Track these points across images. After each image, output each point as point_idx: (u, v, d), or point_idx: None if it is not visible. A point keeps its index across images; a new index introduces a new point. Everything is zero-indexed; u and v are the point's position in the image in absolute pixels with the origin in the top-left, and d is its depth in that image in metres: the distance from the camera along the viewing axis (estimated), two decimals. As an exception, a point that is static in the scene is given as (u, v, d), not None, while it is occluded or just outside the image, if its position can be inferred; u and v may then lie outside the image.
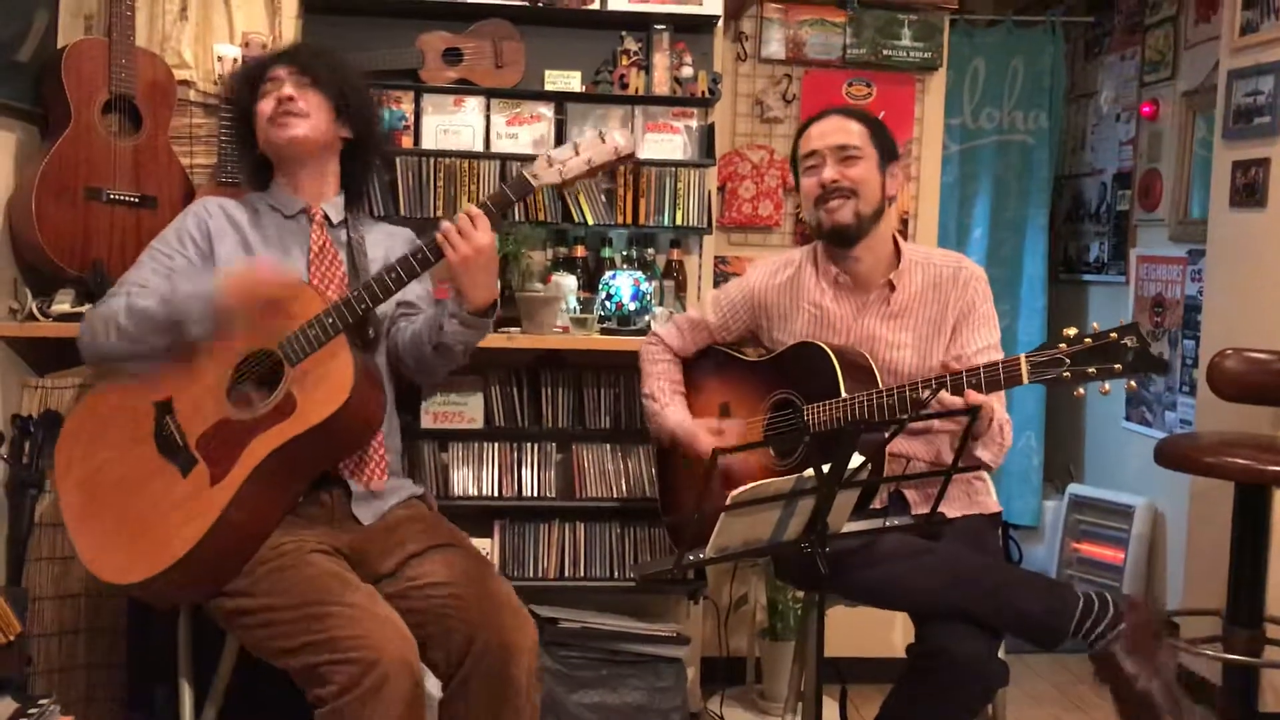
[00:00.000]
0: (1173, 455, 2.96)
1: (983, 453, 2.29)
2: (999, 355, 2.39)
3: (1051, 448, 4.79)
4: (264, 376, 2.13)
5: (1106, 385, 2.02)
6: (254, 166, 2.40)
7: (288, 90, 2.27)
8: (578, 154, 2.16)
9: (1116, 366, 1.99)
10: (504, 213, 2.19)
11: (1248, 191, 3.41)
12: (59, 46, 2.75)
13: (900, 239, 2.50)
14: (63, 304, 2.69)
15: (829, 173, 2.38)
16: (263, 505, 2.07)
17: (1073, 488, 4.60)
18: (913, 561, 2.17)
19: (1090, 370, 2.00)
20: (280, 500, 2.11)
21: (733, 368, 2.56)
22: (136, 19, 2.80)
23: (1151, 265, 4.37)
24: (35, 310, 2.67)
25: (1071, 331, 2.04)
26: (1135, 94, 4.50)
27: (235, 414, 2.09)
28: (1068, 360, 2.02)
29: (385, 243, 2.42)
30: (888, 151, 2.45)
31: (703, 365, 2.61)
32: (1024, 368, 2.07)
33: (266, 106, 2.29)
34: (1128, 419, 4.48)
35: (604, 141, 2.15)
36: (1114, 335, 1.99)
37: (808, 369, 2.36)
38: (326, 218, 2.35)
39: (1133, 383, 2.03)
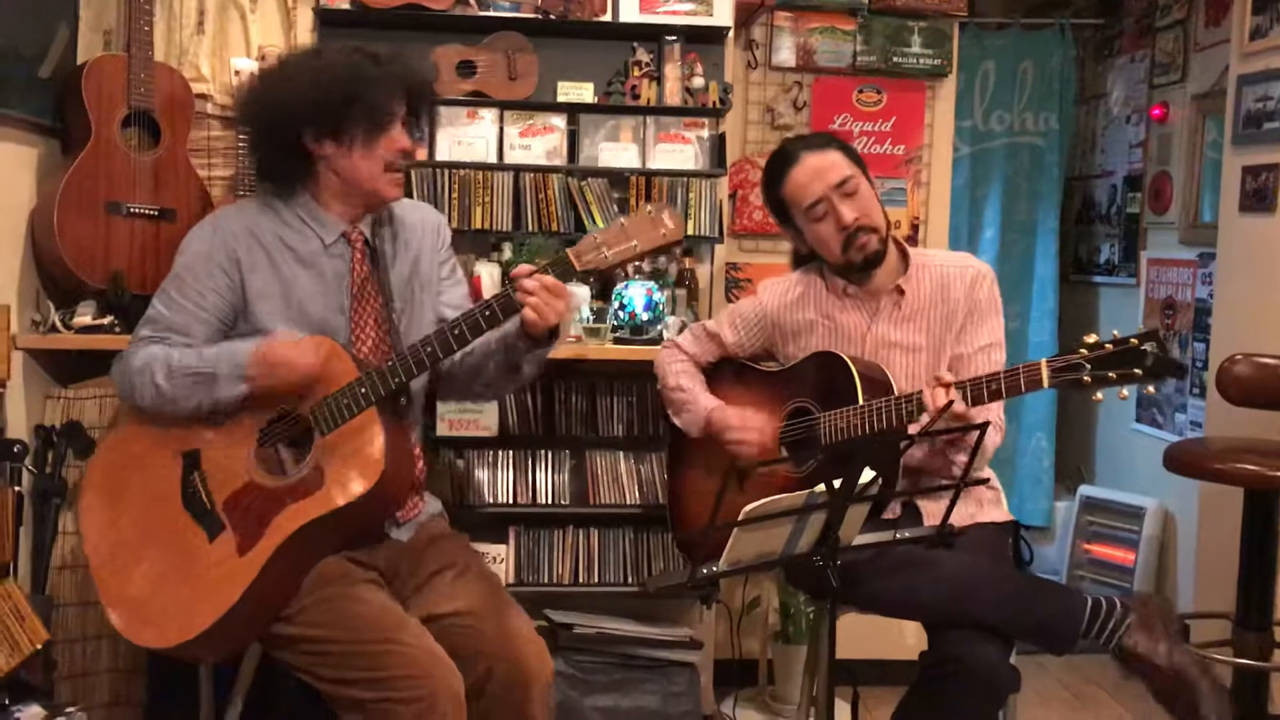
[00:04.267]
0: (1182, 461, 2.98)
1: (960, 457, 2.33)
2: (1001, 353, 2.42)
3: (1063, 449, 4.80)
4: (294, 436, 2.11)
5: (1125, 390, 2.04)
6: (284, 162, 2.18)
7: (408, 143, 2.16)
8: (626, 238, 2.04)
9: (1137, 371, 2.00)
10: None
11: (1258, 197, 3.42)
12: (79, 63, 2.79)
13: (906, 244, 2.52)
14: (84, 316, 2.73)
15: (848, 213, 2.35)
16: (291, 572, 2.05)
17: (1084, 489, 4.62)
18: (924, 573, 2.20)
19: (1110, 375, 2.02)
20: (309, 564, 2.08)
21: (750, 377, 2.58)
22: (154, 33, 2.83)
23: (1162, 268, 4.39)
24: (57, 322, 2.71)
25: (1092, 338, 2.06)
26: (1145, 96, 4.50)
27: (262, 479, 2.06)
28: (1088, 365, 2.04)
29: (410, 239, 2.30)
30: (858, 160, 2.44)
31: (721, 374, 2.63)
32: (1044, 372, 2.08)
33: (385, 153, 2.14)
34: (1138, 421, 4.49)
35: (653, 227, 2.04)
36: (1134, 341, 2.01)
37: (825, 377, 2.38)
38: (366, 241, 2.24)
39: (1151, 387, 2.05)
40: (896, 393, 2.29)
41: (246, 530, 2.03)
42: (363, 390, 2.03)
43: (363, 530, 2.13)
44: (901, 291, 2.44)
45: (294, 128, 2.13)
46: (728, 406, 2.49)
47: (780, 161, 2.44)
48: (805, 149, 2.42)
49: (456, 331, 2.04)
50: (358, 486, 2.00)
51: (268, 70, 2.31)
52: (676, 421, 2.60)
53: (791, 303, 2.54)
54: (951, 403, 2.14)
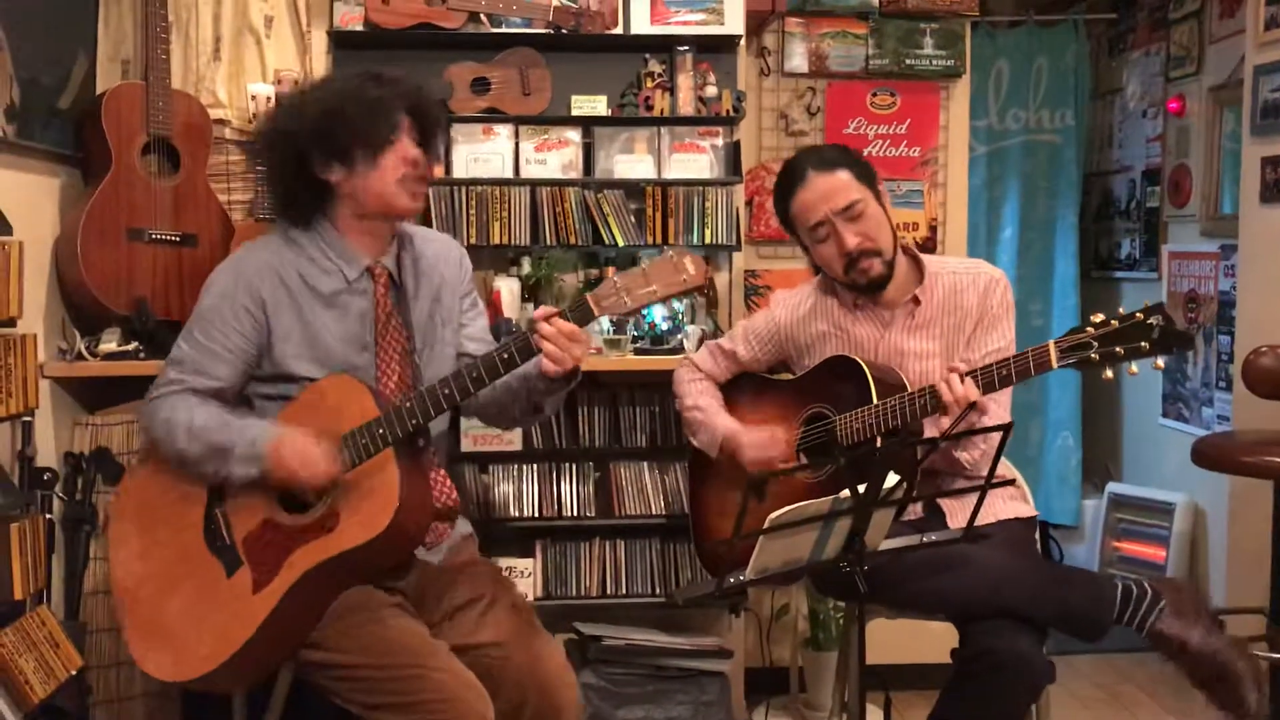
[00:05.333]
0: (1210, 455, 2.96)
1: (963, 454, 2.33)
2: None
3: (1089, 447, 4.77)
4: None
5: (1134, 366, 2.04)
6: (301, 195, 2.19)
7: (417, 153, 2.15)
8: (646, 283, 2.01)
9: (1144, 345, 2.01)
10: None
11: (1278, 187, 3.40)
12: (98, 92, 2.82)
13: (918, 251, 2.51)
14: (109, 343, 2.75)
15: (850, 240, 2.35)
16: (308, 608, 2.06)
17: (1112, 486, 4.59)
18: (952, 571, 2.19)
19: (1118, 350, 2.03)
20: (328, 599, 2.08)
21: (767, 389, 2.58)
22: (172, 61, 2.86)
23: (1184, 261, 4.36)
24: (83, 350, 2.74)
25: (1098, 317, 2.07)
26: (1161, 90, 4.49)
27: (280, 517, 2.07)
28: (1095, 343, 2.05)
29: (431, 271, 2.30)
30: (871, 178, 2.42)
31: (739, 388, 2.64)
32: (1053, 353, 2.09)
33: (394, 165, 2.13)
34: (1165, 416, 4.47)
35: (674, 272, 2.01)
36: (1139, 315, 2.02)
37: (840, 381, 2.38)
38: (390, 277, 2.24)
39: (1160, 362, 2.05)
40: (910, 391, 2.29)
41: (263, 567, 2.04)
42: (381, 431, 2.02)
43: (381, 567, 2.13)
44: (918, 302, 2.43)
45: (303, 156, 2.14)
46: (742, 428, 2.49)
47: (789, 178, 2.43)
48: (814, 168, 2.39)
49: (474, 374, 2.04)
50: (371, 528, 2.00)
51: (282, 103, 2.33)
52: (694, 441, 2.61)
53: (804, 316, 2.54)
54: (975, 404, 2.13)
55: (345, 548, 2.01)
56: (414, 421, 2.03)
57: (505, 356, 2.03)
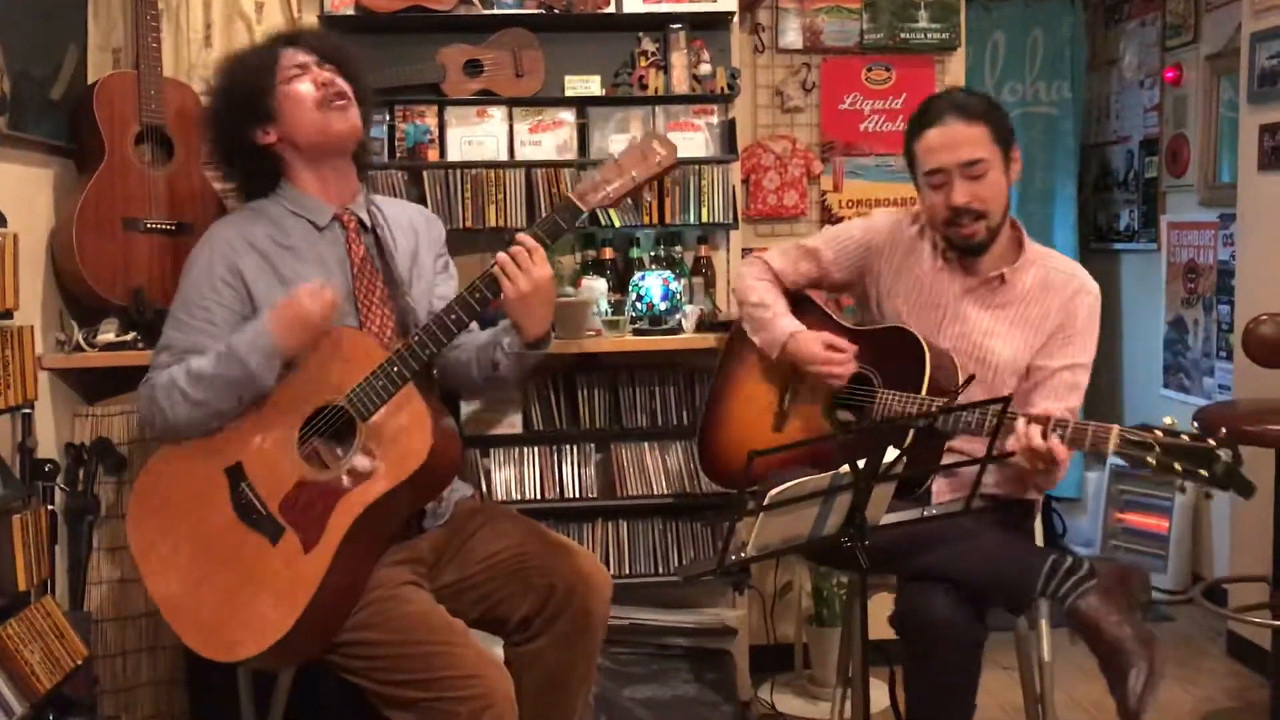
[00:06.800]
0: (1212, 424, 2.94)
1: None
2: (1084, 375, 2.40)
3: (1090, 418, 4.73)
4: (333, 430, 2.09)
5: (1183, 485, 2.03)
6: (255, 168, 2.27)
7: (327, 73, 2.20)
8: (622, 172, 2.09)
9: (1203, 473, 1.97)
10: (556, 239, 2.16)
11: (1276, 154, 3.38)
12: (90, 82, 2.81)
13: (1023, 229, 2.45)
14: (107, 333, 2.75)
15: (959, 196, 2.30)
16: (359, 562, 2.06)
17: (1114, 457, 4.58)
18: (933, 549, 2.19)
19: (1177, 466, 1.99)
20: (375, 551, 2.10)
21: (826, 326, 2.52)
22: (163, 49, 2.84)
23: (1183, 231, 4.35)
24: (81, 341, 2.74)
25: (1169, 420, 2.05)
26: (1158, 59, 4.46)
27: (313, 474, 2.05)
28: (1158, 448, 2.01)
29: (407, 230, 2.36)
30: (1006, 140, 2.36)
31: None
32: (1113, 440, 2.07)
33: (307, 91, 2.19)
34: (1166, 386, 4.46)
35: (646, 157, 2.08)
36: (1212, 443, 1.98)
37: (897, 354, 2.36)
38: (360, 222, 2.28)
39: (1210, 493, 2.02)
40: (960, 387, 2.26)
41: (308, 527, 2.02)
42: (395, 369, 2.03)
43: (424, 502, 2.18)
44: (1004, 280, 2.40)
45: (239, 131, 2.22)
46: (809, 332, 2.45)
47: (925, 114, 2.38)
48: (955, 113, 2.33)
49: (477, 295, 2.09)
50: (413, 459, 2.01)
51: (206, 99, 2.37)
52: (755, 340, 2.55)
53: (898, 241, 2.50)
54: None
55: (390, 486, 2.01)
56: (427, 352, 2.06)
57: (495, 270, 2.10)
